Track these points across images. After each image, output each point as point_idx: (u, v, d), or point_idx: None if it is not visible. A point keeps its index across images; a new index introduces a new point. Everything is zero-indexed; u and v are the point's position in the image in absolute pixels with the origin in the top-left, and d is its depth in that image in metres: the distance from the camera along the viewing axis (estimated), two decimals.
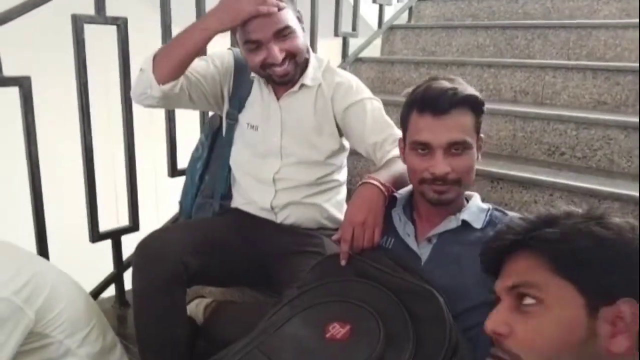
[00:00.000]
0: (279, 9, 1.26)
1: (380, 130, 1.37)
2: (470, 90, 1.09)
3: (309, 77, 1.40)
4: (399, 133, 1.35)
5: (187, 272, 1.26)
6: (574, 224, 0.72)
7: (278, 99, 1.42)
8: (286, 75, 1.34)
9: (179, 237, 1.31)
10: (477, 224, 1.11)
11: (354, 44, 2.62)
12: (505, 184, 1.68)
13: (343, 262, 1.09)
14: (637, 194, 1.47)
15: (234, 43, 1.67)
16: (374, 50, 2.83)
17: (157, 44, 1.67)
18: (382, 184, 1.15)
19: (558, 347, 0.68)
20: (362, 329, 0.93)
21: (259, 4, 1.23)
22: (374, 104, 1.41)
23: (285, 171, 1.43)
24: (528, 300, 0.71)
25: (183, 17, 1.72)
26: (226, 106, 1.48)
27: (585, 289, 0.68)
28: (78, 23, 1.50)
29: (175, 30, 1.68)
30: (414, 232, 1.13)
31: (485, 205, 1.16)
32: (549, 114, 1.85)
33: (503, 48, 2.54)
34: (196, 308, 1.58)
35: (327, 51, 2.44)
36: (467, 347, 0.94)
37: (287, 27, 1.28)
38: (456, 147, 1.06)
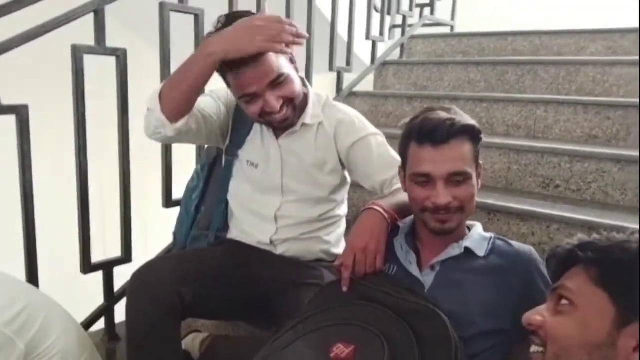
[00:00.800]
0: (290, 49, 1.22)
1: (387, 167, 1.35)
2: (467, 119, 1.10)
3: (308, 116, 1.38)
4: None
5: (183, 303, 1.22)
6: (624, 242, 0.77)
7: (277, 137, 1.41)
8: (286, 121, 1.32)
9: (174, 268, 1.28)
10: (480, 252, 1.11)
11: (348, 78, 2.66)
12: (502, 216, 1.68)
13: (344, 289, 1.09)
14: (634, 226, 1.47)
15: None
16: (367, 85, 2.88)
17: (154, 74, 1.69)
18: (385, 210, 1.15)
19: (575, 343, 0.75)
20: (366, 349, 0.92)
21: (271, 40, 1.16)
22: (378, 140, 1.40)
23: (286, 208, 1.42)
24: (563, 301, 0.79)
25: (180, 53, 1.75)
26: (227, 142, 1.47)
27: (618, 302, 0.73)
28: (78, 53, 1.50)
29: (175, 66, 1.71)
30: (416, 260, 1.13)
31: (488, 234, 1.17)
32: (543, 147, 1.87)
33: (494, 83, 2.59)
34: (192, 342, 1.54)
35: (322, 86, 2.48)
36: None
37: (282, 75, 1.25)
38: (457, 177, 1.07)
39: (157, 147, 1.71)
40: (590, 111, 2.06)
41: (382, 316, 0.99)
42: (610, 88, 2.30)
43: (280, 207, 1.42)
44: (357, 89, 2.72)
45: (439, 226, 1.08)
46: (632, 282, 0.73)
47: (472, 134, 1.10)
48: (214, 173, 1.56)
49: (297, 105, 1.32)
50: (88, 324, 1.65)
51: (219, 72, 1.29)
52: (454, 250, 1.11)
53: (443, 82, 2.75)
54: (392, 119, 2.60)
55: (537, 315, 0.80)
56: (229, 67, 1.23)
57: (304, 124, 1.38)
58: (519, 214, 1.64)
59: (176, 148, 1.73)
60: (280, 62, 1.26)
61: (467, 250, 1.10)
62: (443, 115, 1.09)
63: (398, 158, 1.38)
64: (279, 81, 1.25)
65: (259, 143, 1.42)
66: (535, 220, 1.62)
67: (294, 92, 1.29)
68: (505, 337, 1.06)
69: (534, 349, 0.81)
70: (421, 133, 1.08)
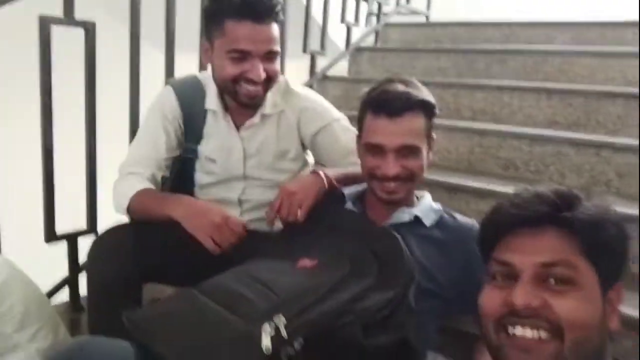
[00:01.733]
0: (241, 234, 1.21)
1: (353, 153, 1.36)
2: (424, 93, 1.14)
3: (268, 105, 1.38)
4: None
5: (144, 269, 1.24)
6: (604, 211, 0.73)
7: (238, 130, 1.40)
8: (255, 98, 1.30)
9: (136, 234, 1.28)
10: (427, 222, 1.16)
11: (321, 62, 2.68)
12: (462, 194, 1.73)
13: (268, 225, 1.19)
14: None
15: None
16: (340, 70, 2.90)
17: (123, 51, 1.69)
18: (325, 173, 1.21)
19: (593, 322, 0.69)
20: (329, 264, 1.00)
21: (216, 241, 1.18)
22: (343, 125, 1.42)
23: (250, 192, 1.45)
24: (562, 281, 0.69)
25: (150, 31, 1.75)
26: (182, 144, 1.45)
27: (602, 273, 0.71)
28: (45, 24, 1.49)
29: (144, 45, 1.71)
30: None
31: (437, 206, 1.21)
32: (505, 130, 1.93)
33: (464, 71, 2.64)
34: None
35: (295, 69, 2.50)
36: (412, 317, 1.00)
37: (277, 51, 1.27)
38: (407, 150, 1.11)
39: (125, 118, 1.72)
40: (553, 98, 2.12)
41: (341, 237, 1.07)
42: (575, 78, 2.37)
43: (243, 191, 1.44)
44: (330, 73, 2.75)
45: (386, 196, 1.13)
46: (613, 252, 0.72)
47: (427, 109, 1.14)
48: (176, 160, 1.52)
49: (268, 89, 1.32)
50: (52, 294, 1.65)
51: (211, 17, 1.26)
52: (404, 215, 1.15)
53: (415, 69, 2.79)
54: None
55: (535, 297, 0.69)
56: (237, 13, 1.21)
57: (263, 115, 1.37)
58: (478, 192, 1.69)
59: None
60: (279, 39, 1.27)
61: (416, 219, 1.15)
62: (400, 88, 1.12)
63: None
64: (272, 55, 1.26)
65: (217, 137, 1.41)
66: (493, 198, 1.66)
67: (276, 71, 1.30)
68: (442, 301, 1.11)
69: (528, 332, 0.69)
70: (378, 104, 1.12)
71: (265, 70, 1.26)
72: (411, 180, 1.13)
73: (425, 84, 2.37)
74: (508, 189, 1.66)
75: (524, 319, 0.68)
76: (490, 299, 0.73)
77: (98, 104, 1.64)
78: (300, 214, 1.16)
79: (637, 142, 1.70)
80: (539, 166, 1.87)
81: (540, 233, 0.72)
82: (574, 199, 0.73)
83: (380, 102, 1.11)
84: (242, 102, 1.33)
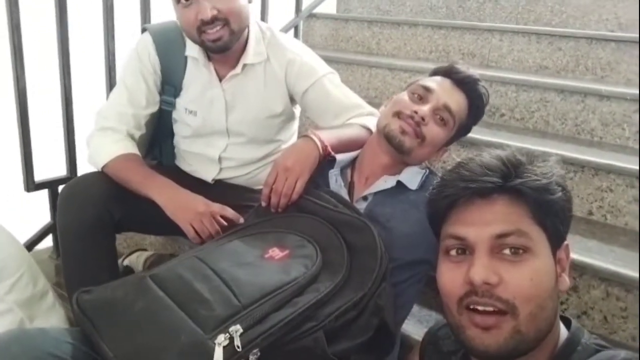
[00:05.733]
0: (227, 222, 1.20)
1: (344, 110, 1.32)
2: None
3: (250, 54, 1.30)
4: (366, 107, 1.34)
5: (112, 217, 1.23)
6: (549, 173, 0.71)
7: (221, 80, 1.33)
8: (218, 40, 1.21)
9: (105, 182, 1.25)
10: (412, 185, 1.13)
11: None
12: None
13: (263, 203, 1.12)
14: (569, 154, 1.53)
15: None
16: (329, 8, 2.80)
17: None
18: (320, 139, 1.14)
19: (547, 292, 0.68)
20: (300, 254, 0.97)
21: (197, 230, 1.18)
22: (334, 81, 1.36)
23: (232, 150, 1.41)
24: (516, 250, 0.68)
25: None
26: (161, 96, 1.38)
27: (550, 236, 0.70)
28: None
29: None
30: (347, 194, 1.15)
31: (423, 168, 1.18)
32: (492, 75, 1.89)
33: (455, 10, 2.56)
34: (137, 260, 1.58)
35: (281, 5, 2.41)
36: (392, 299, 1.00)
37: None
38: None
39: (101, 61, 1.66)
40: (543, 41, 2.07)
41: (317, 226, 1.04)
42: (567, 19, 2.31)
43: (225, 149, 1.40)
44: (317, 10, 2.66)
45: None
46: (559, 214, 0.71)
47: None
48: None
49: (234, 29, 1.23)
50: (35, 241, 1.67)
51: None
52: (386, 183, 1.13)
53: (405, 7, 2.71)
54: (352, 44, 2.57)
55: (493, 273, 0.67)
56: None
57: (245, 65, 1.31)
58: (462, 141, 1.67)
59: (119, 65, 1.69)
60: None
61: (400, 184, 1.12)
62: None
63: (355, 99, 1.35)
64: None
65: (197, 87, 1.35)
66: (475, 147, 1.66)
67: (233, 8, 1.20)
68: (426, 266, 1.10)
69: (486, 315, 0.68)
70: None
71: (214, 7, 1.17)
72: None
73: (415, 24, 2.36)
74: (490, 137, 1.67)
75: (483, 298, 0.67)
76: (449, 279, 0.72)
77: (71, 45, 1.57)
78: (297, 187, 1.09)
79: (623, 90, 1.69)
80: (524, 113, 1.85)
81: (491, 203, 0.71)
82: (519, 165, 0.71)
83: None
84: (211, 49, 1.26)
